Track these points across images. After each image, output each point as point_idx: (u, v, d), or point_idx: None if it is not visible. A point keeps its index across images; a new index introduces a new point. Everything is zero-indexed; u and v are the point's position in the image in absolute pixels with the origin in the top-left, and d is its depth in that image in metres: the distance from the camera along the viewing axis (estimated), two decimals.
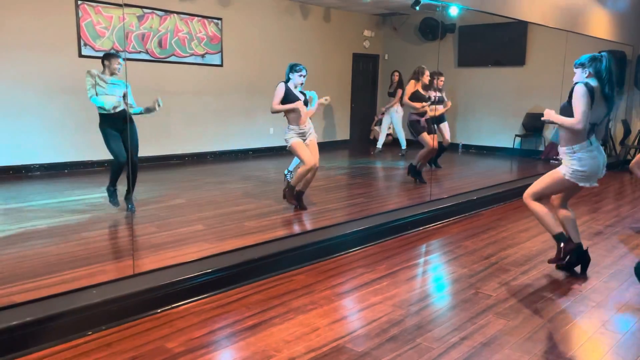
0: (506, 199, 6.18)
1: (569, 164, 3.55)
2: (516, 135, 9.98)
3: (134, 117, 5.02)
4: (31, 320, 2.53)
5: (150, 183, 6.63)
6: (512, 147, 10.05)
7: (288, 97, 5.01)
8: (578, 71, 3.51)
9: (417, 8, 9.42)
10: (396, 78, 9.61)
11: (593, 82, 3.43)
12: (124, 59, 5.34)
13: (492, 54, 10.30)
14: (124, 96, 4.92)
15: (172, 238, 4.26)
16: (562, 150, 3.59)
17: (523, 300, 3.34)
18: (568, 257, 3.76)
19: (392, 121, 9.62)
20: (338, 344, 2.72)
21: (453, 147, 10.49)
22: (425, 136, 6.60)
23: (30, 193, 5.95)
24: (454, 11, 9.80)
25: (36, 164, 7.05)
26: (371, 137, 11.45)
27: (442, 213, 5.19)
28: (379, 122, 11.51)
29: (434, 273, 3.97)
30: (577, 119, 3.36)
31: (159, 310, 3.01)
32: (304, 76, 5.08)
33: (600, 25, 8.25)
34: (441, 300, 3.37)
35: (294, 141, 5.09)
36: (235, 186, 6.60)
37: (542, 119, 3.62)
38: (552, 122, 3.54)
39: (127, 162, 4.93)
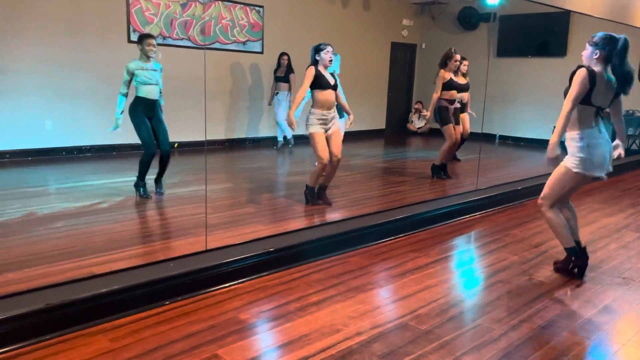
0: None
1: (575, 151, 3.34)
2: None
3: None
4: (117, 288, 2.71)
5: (195, 166, 6.84)
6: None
7: (319, 82, 4.66)
8: (590, 49, 3.32)
9: None
10: (285, 61, 8.41)
11: (597, 67, 3.27)
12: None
13: (533, 44, 10.19)
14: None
15: (227, 219, 4.41)
16: (568, 136, 3.38)
17: (577, 287, 3.40)
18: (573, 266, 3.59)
19: (279, 108, 8.41)
20: (401, 321, 2.83)
21: (489, 137, 10.48)
22: (451, 129, 6.23)
23: (84, 173, 6.20)
24: (492, 0, 9.77)
25: (87, 146, 7.32)
26: (411, 128, 11.52)
27: (488, 202, 5.24)
28: (418, 111, 11.52)
29: (486, 259, 4.03)
30: (566, 103, 3.22)
31: (226, 285, 3.16)
32: (331, 53, 4.71)
33: None
34: (496, 284, 3.44)
35: (314, 131, 4.71)
36: (277, 171, 6.75)
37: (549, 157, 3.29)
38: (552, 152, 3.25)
39: (158, 149, 4.93)
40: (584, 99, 3.29)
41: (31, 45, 6.69)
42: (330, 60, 4.73)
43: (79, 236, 3.84)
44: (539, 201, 3.57)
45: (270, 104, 8.77)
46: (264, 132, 9.31)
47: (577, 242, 3.63)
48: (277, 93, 8.45)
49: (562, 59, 9.87)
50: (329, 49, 4.71)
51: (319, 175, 4.85)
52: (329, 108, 4.74)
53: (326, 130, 4.75)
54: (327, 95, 4.71)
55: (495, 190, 5.56)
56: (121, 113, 4.91)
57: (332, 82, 4.75)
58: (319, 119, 4.70)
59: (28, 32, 6.64)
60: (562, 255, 3.99)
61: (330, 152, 4.77)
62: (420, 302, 3.10)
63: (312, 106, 4.76)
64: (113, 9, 7.28)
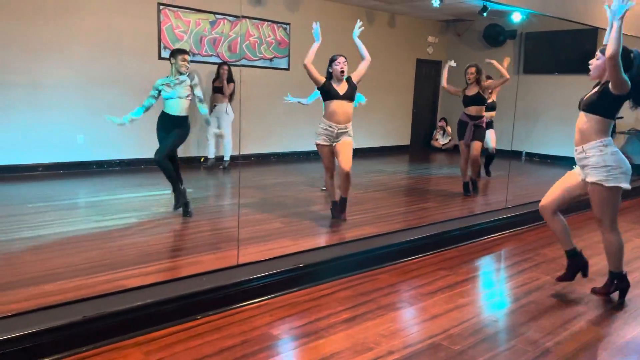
0: (579, 209, 6.07)
1: (601, 161, 3.18)
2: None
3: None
4: (151, 302, 2.74)
5: (222, 181, 6.91)
6: None
7: (328, 92, 4.69)
8: (601, 58, 3.28)
9: (485, 14, 9.40)
10: (225, 71, 7.73)
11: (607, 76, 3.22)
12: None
13: (560, 61, 10.10)
14: (192, 89, 4.84)
15: (254, 234, 4.43)
16: (590, 145, 3.22)
17: (613, 309, 3.32)
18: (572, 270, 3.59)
19: (220, 123, 7.86)
20: (433, 341, 2.80)
21: (516, 154, 10.35)
22: (461, 145, 6.30)
23: (115, 187, 6.30)
24: (516, 17, 9.72)
25: (117, 160, 7.45)
26: (436, 145, 11.48)
27: (517, 220, 5.17)
28: (442, 129, 11.48)
29: (517, 278, 3.96)
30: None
31: (257, 300, 3.17)
32: (342, 63, 4.74)
33: None
34: (529, 305, 3.38)
35: (316, 141, 4.79)
36: (302, 187, 6.76)
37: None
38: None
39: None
40: (610, 113, 3.25)
41: (66, 62, 6.88)
42: (342, 72, 4.69)
43: (111, 249, 3.90)
44: (543, 205, 3.72)
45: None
46: (289, 147, 9.37)
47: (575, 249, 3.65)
48: (215, 106, 7.85)
49: (589, 76, 9.73)
50: (341, 59, 4.73)
51: (327, 183, 4.99)
52: (338, 122, 4.66)
53: (331, 144, 4.74)
54: (335, 106, 4.66)
55: (524, 208, 5.48)
56: (130, 120, 4.86)
57: (341, 92, 4.68)
58: (325, 130, 4.71)
59: (63, 49, 6.83)
60: (596, 275, 3.92)
61: (339, 165, 4.73)
62: (452, 321, 3.06)
63: (322, 116, 4.81)
64: (145, 26, 7.45)
